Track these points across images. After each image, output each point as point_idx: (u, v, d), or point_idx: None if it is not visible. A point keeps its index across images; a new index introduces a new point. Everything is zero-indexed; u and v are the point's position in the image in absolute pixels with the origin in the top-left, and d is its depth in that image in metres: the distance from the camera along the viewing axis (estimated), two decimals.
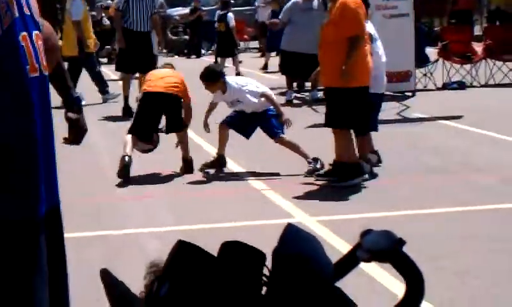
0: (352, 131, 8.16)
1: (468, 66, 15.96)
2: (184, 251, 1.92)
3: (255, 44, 27.71)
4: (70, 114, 3.25)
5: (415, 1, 14.43)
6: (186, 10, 27.77)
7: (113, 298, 2.00)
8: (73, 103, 3.27)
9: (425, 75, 15.59)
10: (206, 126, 8.75)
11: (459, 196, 7.52)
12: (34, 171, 2.72)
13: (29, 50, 2.69)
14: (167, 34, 26.34)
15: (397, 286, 4.78)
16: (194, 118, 9.07)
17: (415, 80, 14.68)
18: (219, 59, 20.96)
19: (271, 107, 8.61)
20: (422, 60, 15.52)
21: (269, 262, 1.93)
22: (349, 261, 1.98)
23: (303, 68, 13.12)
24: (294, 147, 8.62)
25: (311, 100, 14.33)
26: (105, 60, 23.16)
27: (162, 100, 8.72)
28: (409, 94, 14.41)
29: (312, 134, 10.28)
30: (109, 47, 23.30)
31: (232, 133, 8.84)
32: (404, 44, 13.82)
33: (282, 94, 14.57)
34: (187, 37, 27.42)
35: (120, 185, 8.28)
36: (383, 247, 1.87)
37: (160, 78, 8.97)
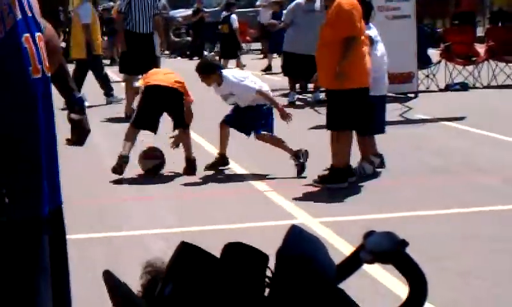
0: (354, 133, 8.17)
1: (470, 68, 15.94)
2: (187, 252, 1.93)
3: (257, 46, 27.71)
4: (73, 115, 3.26)
5: (417, 2, 14.43)
6: (189, 12, 27.78)
7: (116, 299, 2.00)
8: (75, 104, 3.27)
9: (427, 76, 15.57)
10: None
11: (462, 197, 7.52)
12: (37, 171, 2.72)
13: (32, 52, 2.70)
14: (169, 36, 26.33)
15: (400, 288, 4.78)
16: (195, 118, 9.09)
17: (417, 81, 14.67)
18: (222, 61, 20.96)
19: (268, 103, 8.60)
20: (424, 61, 15.50)
21: (271, 263, 1.93)
22: (352, 263, 1.98)
23: (305, 69, 13.10)
24: (277, 142, 8.59)
25: (313, 102, 14.32)
26: (107, 62, 23.16)
27: (166, 94, 8.76)
28: (412, 95, 14.40)
29: (315, 136, 10.27)
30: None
31: (234, 134, 8.84)
32: (407, 45, 13.82)
33: (285, 95, 14.57)
34: (189, 38, 27.43)
35: (122, 186, 8.29)
36: (386, 248, 1.87)
37: (164, 74, 9.15)
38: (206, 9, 26.95)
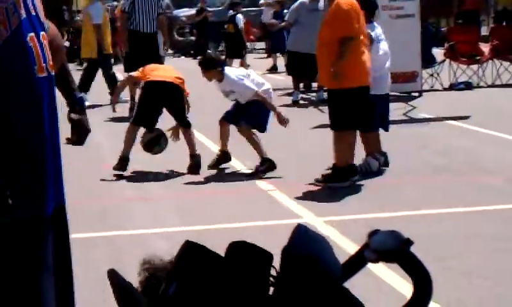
0: (358, 132, 8.17)
1: (475, 67, 15.93)
2: (192, 251, 1.93)
3: (261, 45, 27.71)
4: (73, 115, 3.26)
5: (421, 2, 14.42)
6: (192, 11, 27.79)
7: (120, 298, 2.00)
8: (76, 104, 3.27)
9: (431, 75, 15.56)
10: None
11: (466, 196, 7.51)
12: (42, 171, 2.72)
13: (37, 51, 2.70)
14: (173, 35, 26.35)
15: (405, 287, 4.77)
16: (198, 116, 9.08)
17: (421, 80, 14.66)
18: (227, 60, 20.96)
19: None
20: (428, 60, 15.50)
21: (276, 262, 1.93)
22: (357, 262, 1.98)
23: (309, 68, 13.08)
24: (253, 141, 8.58)
25: (317, 101, 14.32)
26: (111, 60, 23.12)
27: (168, 90, 8.76)
28: (416, 94, 14.39)
29: (318, 135, 10.27)
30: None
31: (237, 133, 8.83)
32: (411, 44, 13.81)
33: (289, 95, 14.57)
34: (193, 38, 27.44)
35: (124, 186, 8.29)
36: (391, 247, 1.86)
37: (164, 69, 9.20)
38: (209, 9, 26.96)
